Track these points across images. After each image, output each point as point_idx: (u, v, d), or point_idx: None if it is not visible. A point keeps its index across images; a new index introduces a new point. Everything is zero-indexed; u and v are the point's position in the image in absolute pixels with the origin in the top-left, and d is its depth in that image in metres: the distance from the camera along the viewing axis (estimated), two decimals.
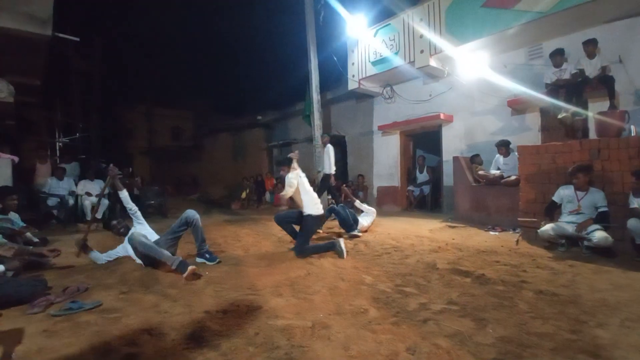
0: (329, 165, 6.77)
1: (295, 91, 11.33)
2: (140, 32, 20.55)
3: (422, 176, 8.30)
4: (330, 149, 6.86)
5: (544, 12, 5.24)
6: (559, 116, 4.85)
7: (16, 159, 5.63)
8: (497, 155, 5.82)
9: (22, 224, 4.17)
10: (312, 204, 3.88)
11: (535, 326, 1.92)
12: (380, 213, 8.03)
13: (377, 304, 2.29)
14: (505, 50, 6.47)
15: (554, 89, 5.05)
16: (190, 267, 2.86)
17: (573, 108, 4.73)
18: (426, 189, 8.20)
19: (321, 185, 6.90)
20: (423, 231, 5.21)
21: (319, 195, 6.07)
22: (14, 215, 4.12)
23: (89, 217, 6.77)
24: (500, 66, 6.56)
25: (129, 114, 18.16)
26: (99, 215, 6.80)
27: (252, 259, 3.65)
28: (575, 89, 4.82)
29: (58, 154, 10.86)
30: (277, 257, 3.68)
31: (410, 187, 8.41)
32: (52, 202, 6.65)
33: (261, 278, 2.95)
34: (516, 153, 4.98)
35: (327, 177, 6.80)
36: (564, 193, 3.85)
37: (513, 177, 5.22)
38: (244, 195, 11.25)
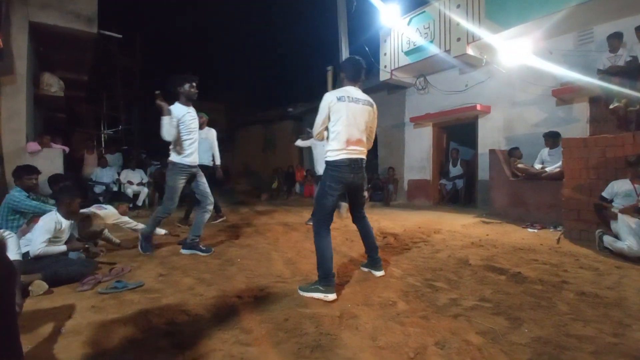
0: (217, 155, 5.14)
1: (326, 83, 11.26)
2: (174, 27, 21.28)
3: (456, 170, 8.03)
4: (213, 133, 5.13)
5: None
6: (611, 106, 4.48)
7: (67, 149, 6.08)
8: (543, 149, 5.50)
9: None
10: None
11: (576, 328, 1.82)
12: (411, 207, 7.89)
13: (406, 297, 2.27)
14: (552, 36, 6.03)
15: (606, 77, 4.66)
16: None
17: (627, 97, 4.35)
18: (459, 183, 7.94)
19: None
20: (455, 226, 5.06)
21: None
22: None
23: (131, 204, 7.22)
24: (545, 53, 6.14)
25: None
26: (139, 203, 7.26)
27: (281, 249, 3.73)
28: (629, 77, 4.43)
29: (103, 145, 11.64)
30: (305, 247, 3.73)
31: (443, 181, 8.18)
32: (98, 189, 7.16)
33: (290, 267, 3.02)
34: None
35: (213, 170, 5.06)
36: (619, 187, 3.52)
37: (557, 170, 4.91)
38: (274, 186, 11.47)
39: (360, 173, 2.49)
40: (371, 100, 2.60)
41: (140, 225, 3.78)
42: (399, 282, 2.58)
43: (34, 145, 5.25)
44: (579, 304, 2.13)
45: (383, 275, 2.71)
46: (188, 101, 3.39)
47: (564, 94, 5.86)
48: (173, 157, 3.37)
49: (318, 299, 2.22)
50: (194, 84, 3.38)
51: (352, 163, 2.42)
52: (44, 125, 7.68)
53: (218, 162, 5.15)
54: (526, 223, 4.95)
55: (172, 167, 3.38)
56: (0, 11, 4.65)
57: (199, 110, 3.78)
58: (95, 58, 7.41)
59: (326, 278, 2.27)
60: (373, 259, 2.76)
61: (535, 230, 4.61)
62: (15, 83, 5.11)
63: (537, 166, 5.42)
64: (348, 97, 2.44)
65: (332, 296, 2.22)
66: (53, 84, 6.31)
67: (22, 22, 5.17)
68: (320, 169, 5.03)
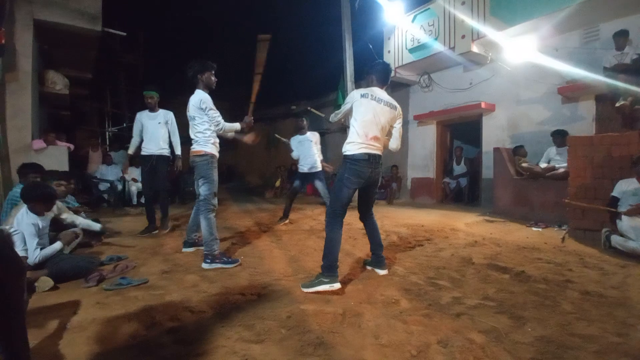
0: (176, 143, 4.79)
1: (329, 80, 11.27)
2: (178, 25, 21.31)
3: (459, 168, 7.99)
4: (171, 116, 4.86)
5: None
6: (617, 104, 4.43)
7: (72, 146, 6.10)
8: (550, 148, 5.46)
9: (77, 204, 4.56)
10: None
11: (579, 327, 1.81)
12: (414, 205, 7.88)
13: (409, 296, 2.27)
14: (557, 33, 5.98)
15: (612, 75, 4.62)
16: None
17: (633, 95, 4.31)
18: (463, 181, 7.91)
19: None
20: (459, 224, 5.04)
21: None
22: (70, 197, 4.52)
23: (135, 201, 7.27)
24: (550, 50, 6.09)
25: (170, 104, 19.01)
26: (143, 200, 7.29)
27: (284, 246, 3.74)
28: (635, 75, 4.38)
29: (108, 143, 11.69)
30: (308, 245, 3.74)
31: (447, 179, 8.15)
32: (103, 186, 7.21)
33: (293, 264, 3.02)
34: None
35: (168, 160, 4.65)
36: (626, 187, 3.49)
37: (561, 170, 4.88)
38: (277, 184, 11.48)
39: (377, 168, 2.58)
40: (395, 103, 2.68)
41: (77, 218, 3.45)
42: (402, 281, 2.58)
43: (39, 143, 5.28)
44: (583, 303, 2.12)
45: (386, 274, 2.71)
46: (206, 89, 3.15)
47: (570, 91, 5.81)
48: (212, 149, 3.09)
49: (323, 292, 2.25)
50: (214, 72, 3.17)
51: (370, 158, 2.49)
52: (48, 122, 7.72)
53: (178, 151, 4.67)
54: (530, 222, 4.93)
55: (212, 160, 3.08)
56: (4, 8, 4.67)
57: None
58: (100, 56, 7.43)
59: (330, 268, 2.34)
60: (378, 257, 2.78)
61: (540, 229, 4.59)
62: (20, 80, 5.13)
63: (543, 165, 5.38)
64: (371, 95, 2.53)
65: (337, 285, 2.30)
66: (58, 82, 6.34)
67: (26, 19, 5.19)
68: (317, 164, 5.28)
